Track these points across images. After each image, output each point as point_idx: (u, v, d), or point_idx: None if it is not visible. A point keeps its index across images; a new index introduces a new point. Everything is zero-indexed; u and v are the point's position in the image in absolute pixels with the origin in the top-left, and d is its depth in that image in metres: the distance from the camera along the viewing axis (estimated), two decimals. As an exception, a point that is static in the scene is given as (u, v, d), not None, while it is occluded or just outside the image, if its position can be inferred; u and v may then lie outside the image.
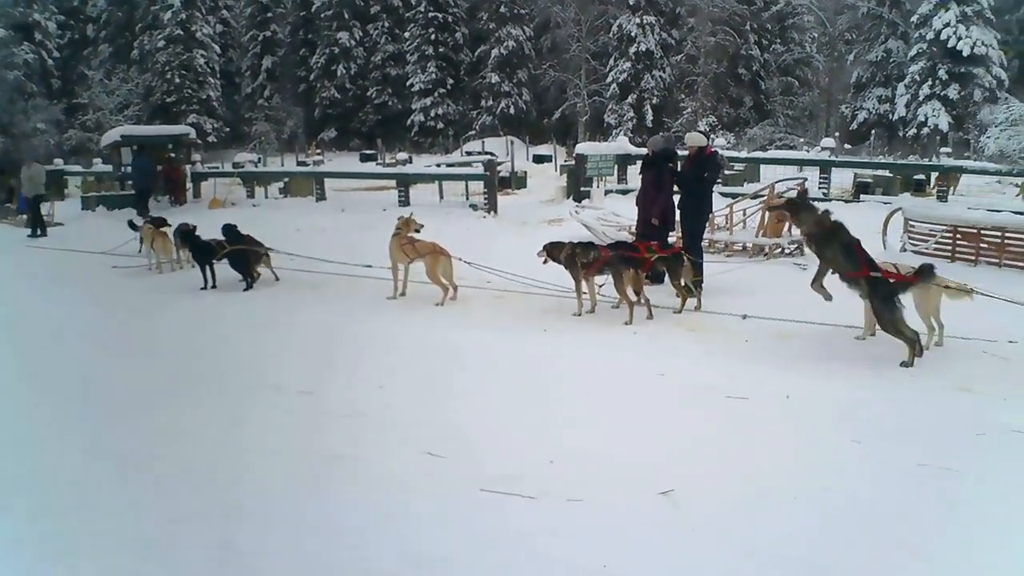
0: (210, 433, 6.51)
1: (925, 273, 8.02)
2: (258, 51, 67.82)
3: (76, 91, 56.08)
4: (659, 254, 10.36)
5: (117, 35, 63.96)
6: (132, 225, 15.86)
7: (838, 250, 8.34)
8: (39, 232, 21.58)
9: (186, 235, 13.54)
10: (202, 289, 12.80)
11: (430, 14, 61.17)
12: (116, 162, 28.60)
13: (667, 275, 10.67)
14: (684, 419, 6.55)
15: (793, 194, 14.50)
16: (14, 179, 28.47)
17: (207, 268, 12.89)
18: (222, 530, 4.88)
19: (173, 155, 27.51)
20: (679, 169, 11.87)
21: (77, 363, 8.84)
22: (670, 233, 11.96)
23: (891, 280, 8.05)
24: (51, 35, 58.93)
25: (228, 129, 62.16)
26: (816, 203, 9.16)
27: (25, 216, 24.73)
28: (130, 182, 26.49)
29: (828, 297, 8.49)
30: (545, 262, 10.76)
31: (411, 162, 42.15)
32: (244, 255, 12.77)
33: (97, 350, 9.42)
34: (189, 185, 27.87)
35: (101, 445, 6.31)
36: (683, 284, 10.34)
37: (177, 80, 58.42)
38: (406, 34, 63.14)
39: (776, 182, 15.13)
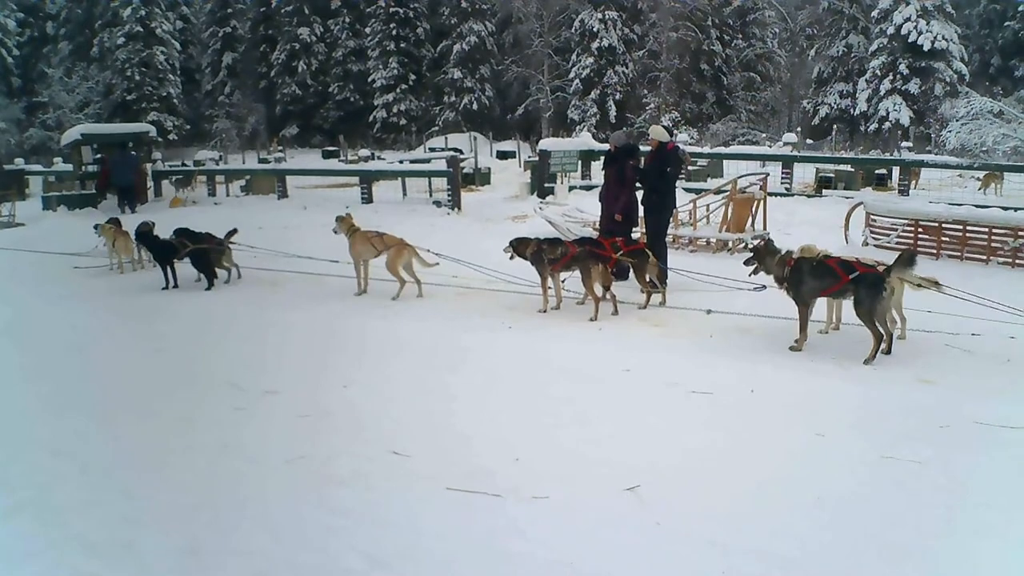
0: (172, 433, 6.44)
1: (904, 260, 8.01)
2: (218, 47, 67.31)
3: (36, 89, 55.71)
4: (624, 250, 10.39)
5: (76, 32, 63.38)
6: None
7: (812, 279, 8.34)
8: None
9: (145, 235, 13.40)
10: (163, 289, 12.68)
11: (391, 9, 60.93)
12: (77, 161, 28.30)
13: (632, 271, 10.70)
14: (649, 414, 6.56)
15: (756, 190, 14.66)
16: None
17: (168, 267, 12.78)
18: (186, 531, 4.85)
19: (133, 153, 27.22)
20: (641, 165, 11.90)
21: (35, 364, 8.78)
22: (634, 229, 11.99)
23: (878, 269, 8.06)
24: (10, 33, 58.44)
25: (189, 127, 61.85)
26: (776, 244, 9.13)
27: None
28: (95, 180, 26.30)
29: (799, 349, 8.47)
30: (512, 258, 10.78)
31: (373, 158, 42.01)
32: (205, 254, 12.66)
33: (55, 351, 9.33)
34: (150, 184, 27.64)
35: (55, 445, 6.25)
36: (648, 280, 10.38)
37: (137, 77, 57.93)
38: (367, 29, 62.85)
39: (739, 177, 15.20)
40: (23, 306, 12.22)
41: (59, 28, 64.22)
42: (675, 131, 41.18)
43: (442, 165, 23.52)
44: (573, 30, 54.82)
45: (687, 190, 17.76)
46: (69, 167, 30.25)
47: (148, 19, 58.32)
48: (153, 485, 5.52)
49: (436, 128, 58.16)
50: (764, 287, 9.59)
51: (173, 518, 5.04)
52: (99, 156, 27.32)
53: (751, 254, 9.28)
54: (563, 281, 10.61)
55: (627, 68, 53.88)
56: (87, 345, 9.56)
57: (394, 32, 61.13)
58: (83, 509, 5.19)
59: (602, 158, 14.01)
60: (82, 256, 15.43)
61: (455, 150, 37.39)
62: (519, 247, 10.64)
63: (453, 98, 59.50)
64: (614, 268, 10.38)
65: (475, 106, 59.11)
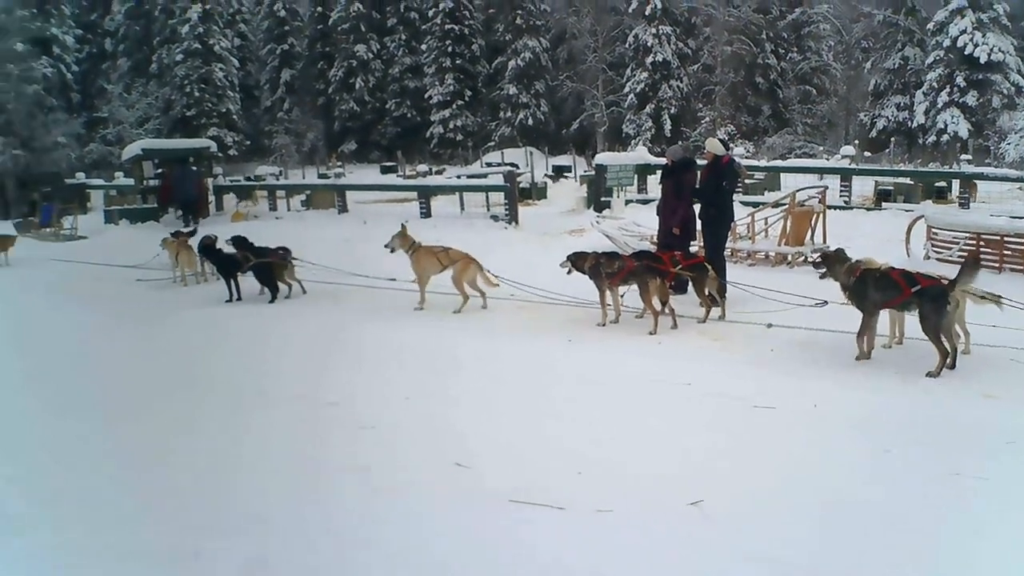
0: (237, 445, 6.54)
1: (968, 271, 7.92)
2: (276, 64, 68.11)
3: (96, 105, 56.36)
4: (683, 264, 10.38)
5: (135, 49, 64.22)
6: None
7: (875, 291, 8.30)
8: None
9: (209, 248, 13.61)
10: (227, 301, 12.88)
11: (447, 26, 61.28)
12: (138, 176, 28.75)
13: (691, 285, 10.68)
14: (711, 429, 6.52)
15: (815, 203, 14.55)
16: (36, 192, 28.78)
17: (231, 281, 12.98)
18: (253, 542, 4.90)
19: (194, 168, 27.66)
20: (698, 178, 11.88)
21: (101, 377, 8.93)
22: (691, 242, 11.97)
23: (941, 283, 7.99)
24: (69, 49, 59.11)
25: (249, 142, 62.41)
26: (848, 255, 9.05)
27: (50, 229, 24.99)
28: (157, 194, 26.76)
29: (866, 356, 8.43)
30: (569, 272, 10.81)
31: (432, 173, 42.25)
32: (268, 268, 12.83)
33: (121, 363, 9.53)
34: (211, 198, 28.06)
35: (121, 454, 6.40)
36: (707, 294, 10.35)
37: (196, 94, 58.59)
38: (423, 46, 63.24)
39: (797, 190, 15.09)
40: (87, 318, 12.47)
41: (118, 45, 65.06)
42: (731, 144, 40.96)
43: (499, 180, 23.59)
44: (627, 45, 54.71)
45: (745, 203, 17.66)
46: (130, 181, 30.73)
47: (206, 36, 58.99)
48: (220, 495, 5.59)
49: (492, 143, 58.36)
50: (826, 302, 9.48)
51: (240, 528, 5.08)
52: (160, 171, 27.77)
53: (822, 259, 9.24)
54: (622, 295, 10.61)
55: (682, 82, 53.68)
56: (151, 357, 9.75)
57: (450, 49, 61.44)
58: (148, 520, 5.25)
59: (658, 172, 14.02)
60: (144, 269, 15.72)
61: (511, 165, 37.53)
62: (577, 261, 10.67)
63: (509, 113, 59.69)
64: (673, 282, 10.39)
65: (530, 121, 59.21)
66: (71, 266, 17.89)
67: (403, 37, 65.81)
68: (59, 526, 5.18)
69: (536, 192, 29.11)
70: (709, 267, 10.46)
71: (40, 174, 36.23)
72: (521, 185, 25.35)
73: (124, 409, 7.60)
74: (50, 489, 5.77)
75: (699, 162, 12.68)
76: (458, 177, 34.41)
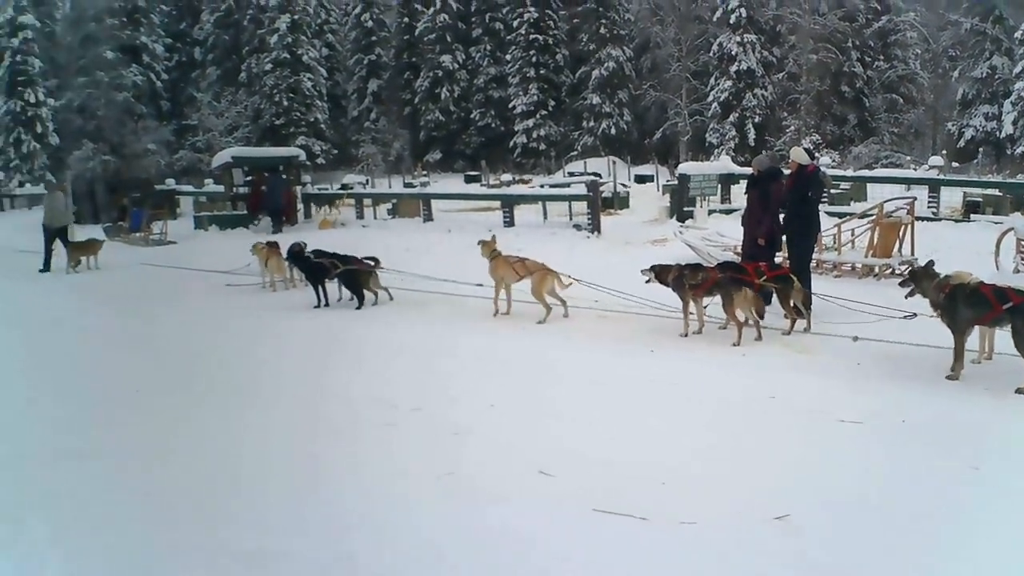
0: (324, 448, 6.65)
1: None
2: (364, 74, 68.98)
3: (185, 113, 57.76)
4: (768, 275, 10.32)
5: (224, 58, 65.50)
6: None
7: (966, 307, 8.16)
8: (43, 267, 19.75)
9: (297, 255, 13.87)
10: (315, 307, 13.12)
11: (531, 36, 61.46)
12: (228, 183, 29.34)
13: (776, 296, 10.59)
14: (797, 443, 6.48)
15: (903, 214, 14.32)
16: (126, 198, 29.51)
17: (319, 287, 13.22)
18: (341, 542, 4.99)
19: (283, 176, 28.19)
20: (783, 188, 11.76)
21: (198, 379, 9.12)
22: (777, 253, 11.87)
23: None
24: (159, 58, 60.72)
25: (336, 151, 63.32)
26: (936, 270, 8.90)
27: (140, 234, 25.62)
28: (246, 201, 27.35)
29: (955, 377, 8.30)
30: (648, 281, 10.80)
31: (515, 182, 42.41)
32: (355, 275, 13.04)
33: (211, 366, 9.72)
34: (300, 206, 28.55)
35: (213, 454, 6.54)
36: (792, 305, 10.27)
37: (285, 103, 59.62)
38: (508, 56, 63.51)
39: (885, 201, 14.87)
40: (176, 320, 12.85)
41: (207, 54, 66.35)
42: (816, 154, 40.45)
43: (582, 189, 23.62)
44: (711, 54, 54.36)
45: (830, 214, 17.45)
46: (220, 188, 31.38)
47: (295, 46, 59.95)
48: (309, 496, 5.70)
49: (575, 153, 58.41)
50: (915, 314, 9.33)
51: (325, 529, 5.18)
52: (250, 178, 28.32)
53: (910, 275, 9.11)
54: (705, 306, 10.57)
55: (766, 91, 53.12)
56: (243, 359, 9.99)
57: (534, 59, 61.61)
58: (237, 517, 5.38)
59: (742, 181, 13.93)
60: (234, 274, 16.07)
61: (594, 174, 37.51)
62: (661, 273, 10.66)
63: (592, 123, 59.66)
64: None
65: (613, 131, 59.12)
66: (161, 270, 18.31)
67: (488, 47, 66.20)
68: (151, 523, 5.34)
69: (618, 201, 29.10)
70: (794, 278, 10.37)
71: (130, 180, 37.10)
72: (603, 195, 25.33)
73: (215, 411, 7.81)
74: (143, 486, 5.94)
75: (785, 172, 12.56)
76: (541, 186, 34.52)
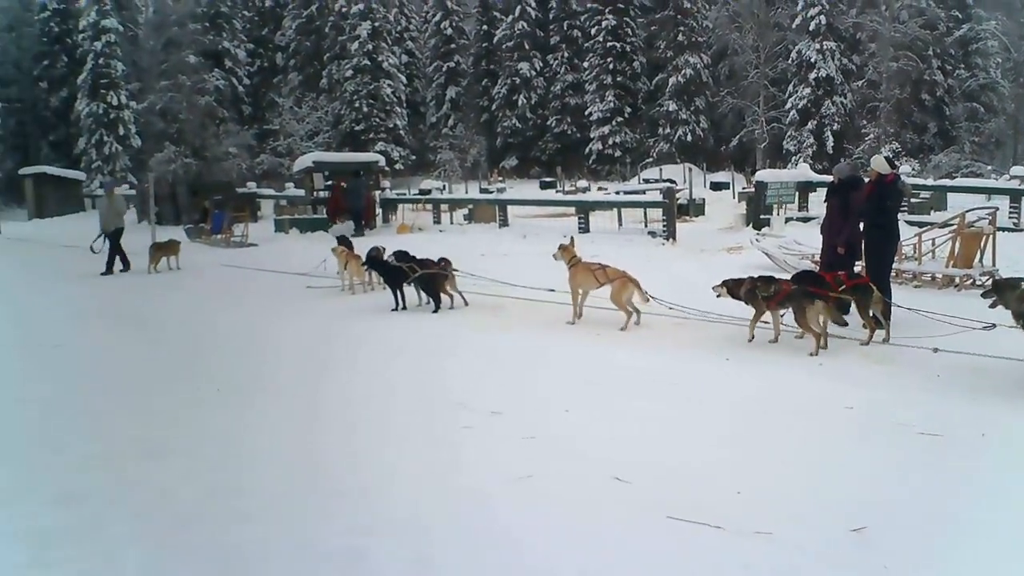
0: (403, 449, 6.75)
1: None
2: (442, 81, 69.71)
3: (267, 117, 58.60)
4: (847, 284, 10.22)
5: (306, 64, 66.44)
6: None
7: None
8: (123, 267, 20.11)
9: (376, 259, 14.06)
10: (393, 310, 13.29)
11: (609, 43, 61.50)
12: (308, 187, 29.80)
13: (855, 306, 10.47)
14: (874, 454, 6.41)
15: (984, 224, 14.10)
16: (208, 200, 30.09)
17: (398, 291, 13.40)
18: (418, 543, 5.08)
19: (364, 180, 28.58)
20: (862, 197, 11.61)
21: (275, 380, 9.30)
22: (856, 262, 11.74)
23: None
24: (241, 63, 61.83)
25: (414, 157, 63.94)
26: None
27: (221, 236, 26.10)
28: (326, 205, 27.78)
29: None
30: (719, 297, 10.78)
31: (591, 189, 42.43)
32: (433, 279, 13.19)
33: (286, 366, 9.95)
34: (379, 211, 28.89)
35: (290, 455, 6.66)
36: (872, 315, 10.16)
37: (365, 109, 60.35)
38: (585, 64, 63.62)
39: (966, 211, 14.64)
40: (255, 320, 13.12)
41: (288, 59, 67.38)
42: (897, 162, 39.79)
43: (657, 196, 23.59)
44: (790, 61, 53.82)
45: (910, 223, 17.23)
46: (300, 192, 31.84)
47: (375, 53, 60.64)
48: (387, 497, 5.80)
49: (650, 159, 58.28)
50: (994, 325, 9.19)
51: (403, 530, 5.27)
52: (330, 183, 28.74)
53: (993, 287, 8.98)
54: (782, 315, 10.50)
55: (845, 98, 52.44)
56: (321, 361, 10.15)
57: (611, 66, 61.62)
58: (318, 517, 5.49)
59: (820, 190, 13.79)
60: (314, 276, 16.34)
61: (669, 181, 37.41)
62: (733, 288, 10.61)
63: (668, 130, 59.48)
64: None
65: (689, 137, 58.88)
66: (242, 271, 18.63)
67: (565, 55, 66.48)
68: (233, 520, 5.47)
69: (694, 208, 29.01)
70: (874, 288, 10.26)
71: (212, 183, 37.75)
72: (679, 201, 25.27)
73: (290, 409, 7.97)
74: (231, 484, 6.08)
75: (865, 180, 12.40)
76: (616, 193, 34.52)
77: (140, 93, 52.74)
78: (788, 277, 10.81)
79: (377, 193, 29.77)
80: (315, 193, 29.54)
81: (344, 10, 62.38)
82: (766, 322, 10.38)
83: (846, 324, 10.40)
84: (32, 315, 14.71)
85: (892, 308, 10.65)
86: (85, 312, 14.79)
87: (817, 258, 12.87)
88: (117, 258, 19.85)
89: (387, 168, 38.06)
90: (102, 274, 19.47)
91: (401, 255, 13.66)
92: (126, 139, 51.62)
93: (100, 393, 8.92)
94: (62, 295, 16.79)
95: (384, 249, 14.13)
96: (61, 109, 57.08)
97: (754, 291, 10.29)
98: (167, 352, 11.13)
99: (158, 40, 52.24)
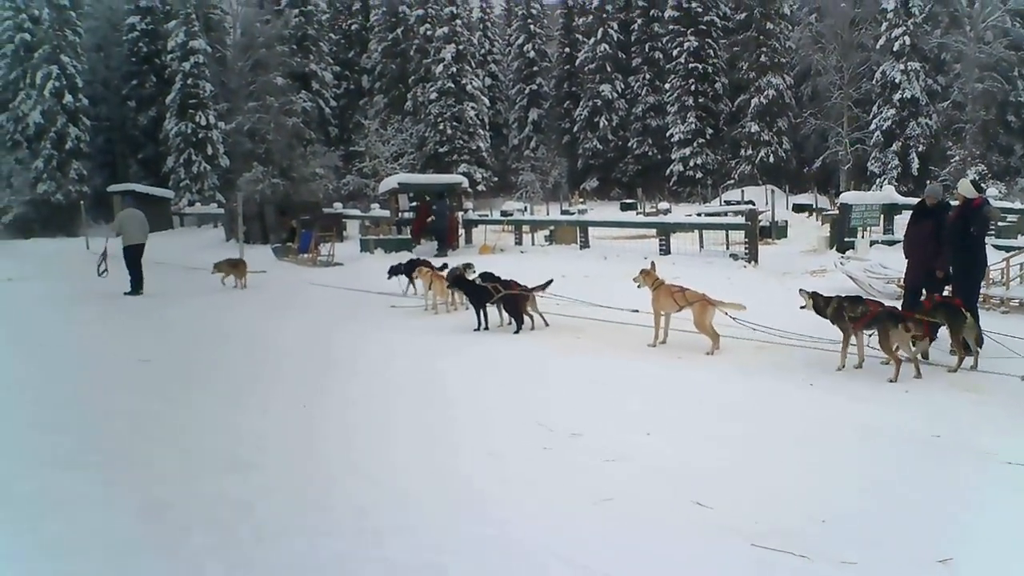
0: (481, 468, 6.83)
1: None
2: (524, 103, 70.40)
3: (353, 139, 59.53)
4: (935, 308, 10.07)
5: (391, 86, 67.31)
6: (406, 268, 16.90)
7: None
8: (138, 289, 19.40)
9: (460, 279, 14.22)
10: (475, 330, 13.42)
11: (690, 65, 61.34)
12: (393, 208, 30.19)
13: (948, 331, 10.25)
14: (961, 484, 6.33)
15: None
16: (295, 220, 30.61)
17: (481, 310, 13.54)
18: (495, 562, 5.16)
19: (449, 202, 28.92)
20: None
21: (357, 397, 9.44)
22: (945, 288, 11.52)
23: None
24: (328, 85, 62.79)
25: (496, 178, 64.52)
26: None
27: (308, 255, 26.51)
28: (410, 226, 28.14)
29: None
30: (803, 307, 10.67)
31: (671, 211, 42.32)
32: (515, 299, 13.30)
33: (374, 385, 10.07)
34: (461, 231, 29.17)
35: (372, 471, 6.77)
36: (963, 341, 9.98)
37: (449, 131, 61.06)
38: (666, 85, 63.48)
39: (1058, 236, 14.36)
40: (339, 338, 13.33)
41: (374, 82, 68.37)
42: (983, 185, 38.93)
43: (739, 218, 23.46)
44: (874, 81, 53.04)
45: (998, 247, 16.91)
46: (385, 213, 32.25)
47: (459, 76, 61.33)
48: (467, 515, 5.87)
49: (732, 181, 57.96)
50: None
51: (480, 548, 5.35)
52: (415, 204, 29.07)
53: None
54: (868, 338, 10.37)
55: (930, 120, 51.56)
56: (402, 379, 10.30)
57: (692, 87, 61.43)
58: (399, 533, 5.58)
59: (905, 212, 13.55)
60: (398, 296, 16.57)
61: (749, 203, 37.16)
62: (821, 304, 10.50)
63: (749, 151, 59.02)
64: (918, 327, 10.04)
65: (771, 159, 58.35)
66: (328, 290, 18.91)
67: (647, 76, 66.48)
68: (322, 536, 5.58)
69: (776, 231, 28.74)
70: (967, 314, 10.06)
71: (299, 203, 38.32)
72: (761, 223, 25.09)
73: (372, 427, 8.11)
74: (313, 500, 6.22)
75: (952, 204, 12.18)
76: (697, 215, 34.39)
77: (228, 113, 53.73)
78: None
79: (460, 214, 30.04)
80: (399, 214, 29.93)
81: (429, 33, 63.25)
82: (854, 344, 10.25)
83: (926, 356, 10.23)
84: (119, 329, 15.07)
85: (983, 335, 10.45)
86: (171, 327, 15.19)
87: (902, 282, 12.67)
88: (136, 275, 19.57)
89: (470, 190, 38.38)
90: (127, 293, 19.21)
91: (487, 276, 13.82)
92: (214, 158, 52.58)
93: (185, 407, 9.17)
94: (147, 310, 17.23)
95: (467, 268, 14.28)
96: (149, 128, 58.10)
97: (841, 311, 10.18)
98: (251, 368, 11.37)
99: (246, 61, 53.30)
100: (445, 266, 15.26)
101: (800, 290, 10.82)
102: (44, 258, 33.00)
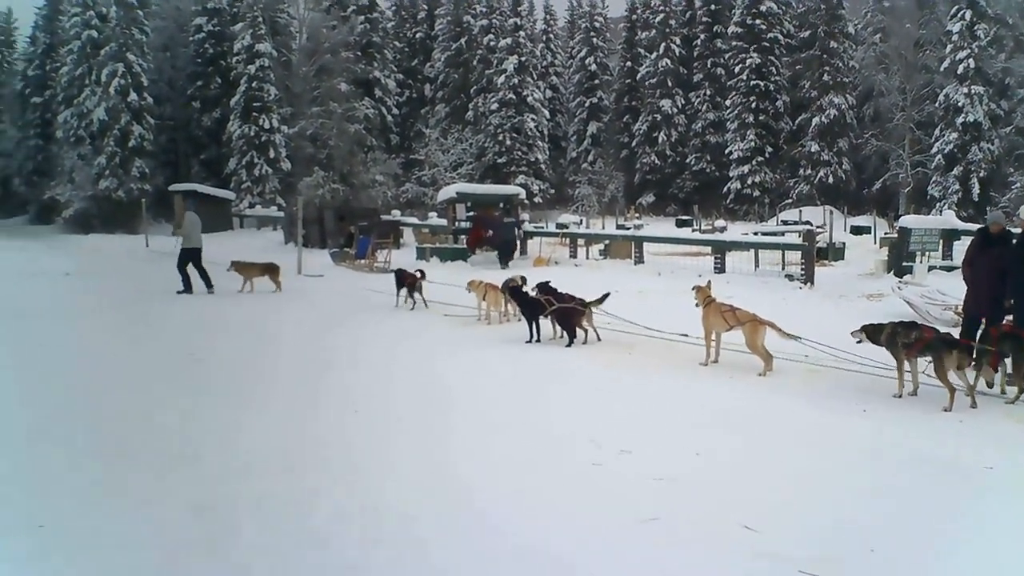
0: (531, 482, 6.84)
1: None
2: (584, 116, 70.74)
3: (413, 147, 60.06)
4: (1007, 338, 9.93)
5: (453, 96, 67.99)
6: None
7: None
8: (191, 287, 19.74)
9: (515, 290, 14.29)
10: (527, 342, 13.46)
11: (752, 82, 61.21)
12: (451, 217, 30.37)
13: (1011, 361, 10.07)
14: (1013, 518, 6.26)
15: None
16: (354, 226, 30.86)
17: (533, 323, 13.59)
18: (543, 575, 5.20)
19: (514, 219, 29.11)
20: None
21: (408, 404, 9.49)
22: (1005, 317, 11.33)
23: None
24: (390, 92, 63.35)
25: (553, 191, 64.74)
26: None
27: (365, 261, 26.74)
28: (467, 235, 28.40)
29: None
30: (859, 342, 10.58)
31: (727, 229, 42.14)
32: (569, 313, 13.33)
33: (426, 392, 10.15)
34: (517, 243, 29.30)
35: (419, 479, 6.83)
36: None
37: (508, 142, 61.44)
38: (727, 102, 63.47)
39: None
40: (392, 344, 13.47)
41: (436, 91, 69.12)
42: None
43: (795, 238, 23.33)
44: (937, 104, 52.54)
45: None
46: (443, 222, 32.42)
47: (520, 88, 61.72)
48: (516, 527, 5.91)
49: (790, 200, 57.67)
50: None
51: (534, 562, 5.38)
52: (472, 214, 29.24)
53: None
54: (925, 366, 10.22)
55: (993, 145, 50.94)
56: (452, 389, 10.36)
57: (753, 105, 61.29)
58: (448, 543, 5.64)
59: (964, 238, 13.34)
60: (452, 305, 16.68)
61: (806, 223, 36.91)
62: (873, 333, 10.36)
63: (809, 171, 58.74)
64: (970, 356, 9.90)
65: (831, 179, 58.02)
66: (384, 296, 19.03)
67: (708, 92, 66.53)
68: (372, 544, 5.65)
69: (833, 252, 28.52)
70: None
71: (358, 209, 38.56)
72: (818, 244, 24.91)
73: (427, 438, 8.16)
74: (364, 504, 6.28)
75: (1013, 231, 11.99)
76: (754, 233, 34.24)
77: (291, 117, 54.20)
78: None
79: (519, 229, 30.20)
80: (456, 223, 30.09)
81: (492, 44, 63.87)
82: (907, 372, 10.12)
83: (990, 384, 10.10)
84: (173, 327, 15.37)
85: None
86: (224, 326, 15.41)
87: (960, 309, 12.49)
88: (195, 276, 19.87)
89: (526, 201, 38.52)
90: (179, 292, 19.53)
91: (543, 287, 13.87)
92: (276, 162, 52.99)
93: (238, 406, 9.31)
94: (201, 309, 17.50)
95: (524, 280, 14.34)
96: (213, 129, 58.81)
97: (894, 337, 10.07)
98: (303, 370, 11.48)
99: (311, 66, 53.84)
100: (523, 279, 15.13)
101: (851, 332, 10.69)
102: (103, 254, 33.59)
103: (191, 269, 19.80)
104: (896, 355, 10.05)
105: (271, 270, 20.64)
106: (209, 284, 19.88)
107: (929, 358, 9.86)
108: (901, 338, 9.96)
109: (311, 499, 6.38)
